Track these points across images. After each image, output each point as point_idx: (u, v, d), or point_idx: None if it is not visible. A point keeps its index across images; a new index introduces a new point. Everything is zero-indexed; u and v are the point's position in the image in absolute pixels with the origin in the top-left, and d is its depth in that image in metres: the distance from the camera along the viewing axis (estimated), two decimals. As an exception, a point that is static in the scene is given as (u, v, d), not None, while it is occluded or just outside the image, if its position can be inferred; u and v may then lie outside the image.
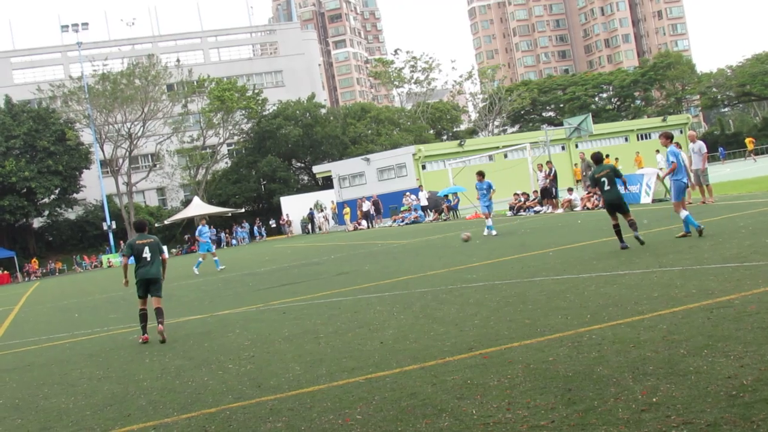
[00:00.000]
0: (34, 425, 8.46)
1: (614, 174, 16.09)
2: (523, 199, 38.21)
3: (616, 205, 15.88)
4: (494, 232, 26.11)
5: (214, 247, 31.91)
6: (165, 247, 69.38)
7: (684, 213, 15.87)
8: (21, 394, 10.45)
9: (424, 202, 50.67)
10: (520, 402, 6.40)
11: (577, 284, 12.22)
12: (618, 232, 15.70)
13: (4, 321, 23.61)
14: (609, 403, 6.03)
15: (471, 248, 22.50)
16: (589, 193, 32.36)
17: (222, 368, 10.02)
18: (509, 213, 38.22)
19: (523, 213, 36.85)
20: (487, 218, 26.81)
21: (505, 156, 63.51)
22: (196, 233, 33.53)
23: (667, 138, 17.56)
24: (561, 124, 61.48)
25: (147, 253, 13.99)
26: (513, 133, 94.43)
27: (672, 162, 16.26)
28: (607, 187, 15.89)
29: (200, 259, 31.95)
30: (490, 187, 27.18)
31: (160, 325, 13.46)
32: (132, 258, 14.13)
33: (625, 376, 6.70)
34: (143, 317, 13.86)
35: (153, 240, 14.30)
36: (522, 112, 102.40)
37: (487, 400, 6.62)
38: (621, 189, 16.62)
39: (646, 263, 13.32)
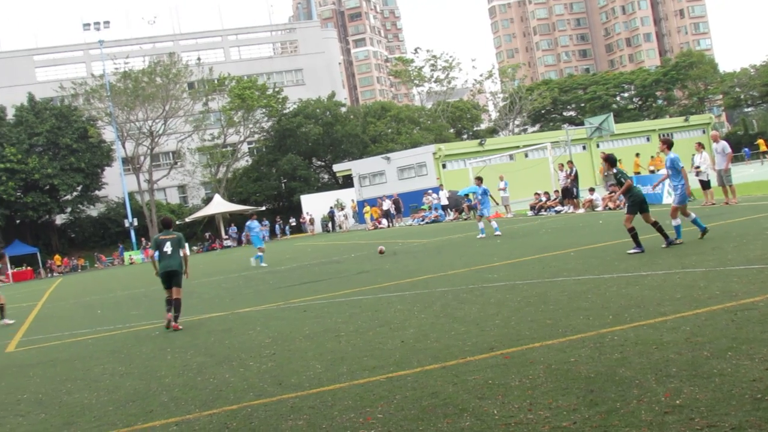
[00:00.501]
0: (58, 420, 8.52)
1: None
2: (543, 199, 38.10)
3: (643, 203, 16.04)
4: (483, 235, 27.14)
5: (263, 242, 31.64)
6: (186, 245, 69.83)
7: (678, 221, 15.91)
8: (44, 389, 10.53)
9: (444, 201, 50.63)
10: (541, 403, 6.39)
11: (599, 285, 12.17)
12: (635, 236, 15.64)
13: (27, 317, 23.78)
14: (632, 404, 6.01)
15: (491, 248, 22.46)
16: (610, 193, 32.22)
17: (243, 365, 10.05)
18: (530, 213, 38.11)
19: (544, 213, 36.73)
20: (479, 221, 28.22)
21: (526, 155, 63.36)
22: (246, 229, 33.28)
23: (666, 145, 17.04)
24: (582, 123, 61.22)
25: (168, 248, 15.48)
26: (534, 132, 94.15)
27: (669, 169, 16.44)
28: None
29: (259, 253, 31.24)
30: (485, 192, 28.38)
31: (174, 323, 14.91)
32: (156, 252, 15.65)
33: (648, 377, 6.67)
34: (169, 303, 15.36)
35: (176, 236, 15.79)
36: (543, 112, 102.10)
37: (508, 400, 6.60)
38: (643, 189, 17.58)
39: (669, 264, 13.25)
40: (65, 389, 10.28)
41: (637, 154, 45.66)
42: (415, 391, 7.38)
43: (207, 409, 7.95)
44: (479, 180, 28.94)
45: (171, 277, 15.44)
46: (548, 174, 43.05)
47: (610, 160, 16.87)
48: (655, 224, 15.69)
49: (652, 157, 46.69)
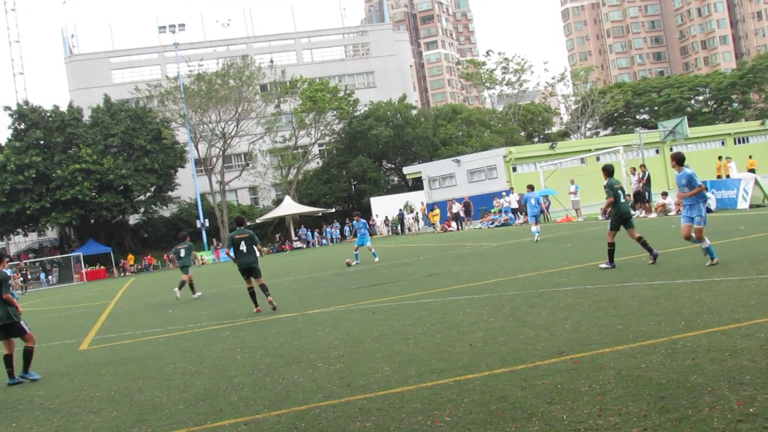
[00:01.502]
0: (129, 418, 8.67)
1: (622, 189, 16.93)
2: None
3: (627, 219, 16.57)
4: (537, 238, 28.28)
5: (369, 240, 31.89)
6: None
7: (707, 242, 14.53)
8: (116, 387, 10.73)
9: (514, 205, 50.30)
10: (611, 408, 6.31)
11: (671, 290, 11.97)
12: (612, 252, 16.27)
13: (101, 315, 24.30)
14: (704, 412, 5.90)
15: (562, 252, 22.25)
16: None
17: (312, 366, 10.11)
18: (601, 217, 37.62)
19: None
20: (534, 225, 29.15)
21: (598, 159, 62.46)
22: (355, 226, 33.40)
23: (676, 161, 15.30)
24: (655, 127, 60.17)
25: (243, 246, 17.38)
26: (606, 135, 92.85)
27: (685, 187, 14.94)
28: (622, 200, 16.69)
29: (373, 251, 31.30)
30: (537, 199, 30.25)
31: (269, 297, 17.17)
32: (232, 249, 17.57)
33: (721, 385, 6.55)
34: (252, 294, 17.61)
35: (249, 234, 17.66)
36: (615, 115, 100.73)
37: (577, 405, 6.54)
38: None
39: (743, 270, 12.98)
40: (137, 387, 10.46)
41: (728, 158, 44.54)
42: (483, 395, 7.35)
43: (276, 410, 8.02)
44: (530, 187, 30.63)
45: (250, 272, 17.52)
46: (620, 178, 42.43)
47: (606, 170, 17.39)
48: (639, 239, 16.18)
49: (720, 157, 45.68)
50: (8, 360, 12.28)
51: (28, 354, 12.37)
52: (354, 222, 33.20)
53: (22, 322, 12.43)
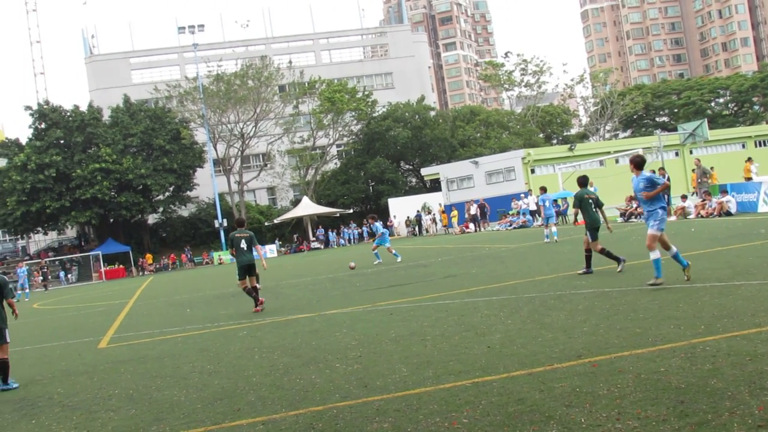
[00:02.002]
0: (148, 416, 8.71)
1: (597, 200, 17.19)
2: (634, 205, 37.43)
3: (596, 229, 16.81)
4: (556, 238, 29.27)
5: (389, 241, 32.08)
6: (275, 245, 70.68)
7: (657, 253, 13.39)
8: (135, 385, 10.77)
9: (532, 207, 50.19)
10: (630, 412, 6.28)
11: (691, 294, 11.92)
12: (589, 258, 16.69)
13: (119, 314, 24.41)
14: (723, 417, 5.86)
15: (580, 254, 22.12)
16: (703, 200, 31.49)
17: (329, 367, 10.12)
18: (620, 219, 37.50)
19: (635, 219, 36.10)
20: (547, 228, 29.96)
21: (617, 161, 62.35)
22: (373, 228, 33.33)
23: (634, 164, 14.18)
24: (675, 129, 59.94)
25: (243, 245, 18.42)
26: (625, 138, 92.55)
27: (644, 190, 13.78)
28: (593, 209, 16.96)
29: (394, 252, 31.49)
30: (552, 201, 31.04)
31: (261, 298, 18.45)
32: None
33: (741, 390, 6.50)
34: (249, 293, 18.57)
35: (249, 234, 18.70)
36: (635, 117, 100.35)
37: (596, 409, 6.51)
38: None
39: (764, 274, 12.90)
40: (155, 386, 10.50)
41: (749, 159, 44.14)
42: (501, 397, 7.34)
43: (293, 410, 8.03)
44: (543, 189, 31.04)
45: (249, 270, 18.54)
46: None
47: (579, 181, 17.57)
48: (602, 251, 16.62)
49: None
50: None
51: (4, 366, 12.15)
52: (372, 225, 33.11)
53: (6, 330, 12.38)
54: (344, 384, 8.95)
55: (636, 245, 23.26)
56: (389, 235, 33.68)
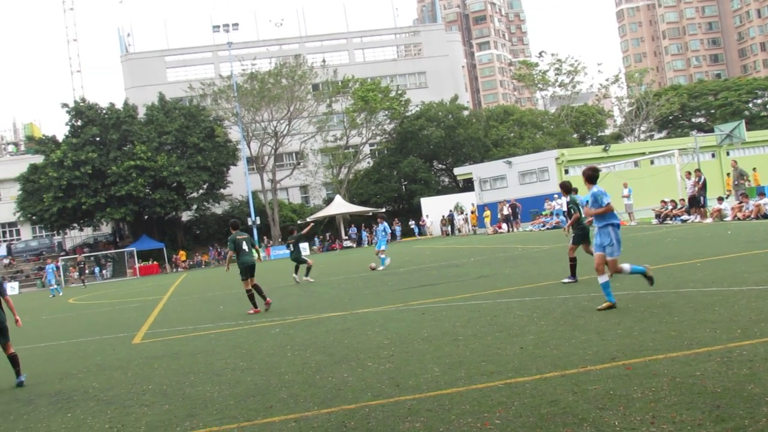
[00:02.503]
0: (181, 411, 8.76)
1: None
2: (670, 207, 37.13)
3: (585, 235, 16.70)
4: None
5: (383, 246, 31.71)
6: (307, 243, 70.75)
7: (605, 277, 12.48)
8: (168, 381, 10.85)
9: (566, 208, 49.91)
10: (664, 416, 6.22)
11: (727, 297, 11.78)
12: (573, 266, 16.56)
13: (153, 310, 24.60)
14: (761, 423, 5.79)
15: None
16: (740, 202, 31.16)
17: (361, 366, 10.12)
18: (655, 221, 37.23)
19: (670, 221, 35.81)
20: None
21: (652, 162, 61.79)
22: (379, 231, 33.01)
23: (586, 177, 13.04)
24: (711, 130, 59.35)
25: (245, 246, 19.29)
26: (660, 138, 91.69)
27: (591, 205, 12.83)
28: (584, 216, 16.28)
29: (382, 257, 30.86)
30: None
31: (268, 299, 19.09)
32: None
33: (779, 395, 6.43)
34: (251, 296, 19.15)
35: (247, 236, 19.77)
36: (670, 118, 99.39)
37: (630, 412, 6.46)
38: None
39: (802, 278, 12.74)
40: (188, 382, 10.56)
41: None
42: (533, 399, 7.30)
43: (325, 407, 8.04)
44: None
45: (251, 270, 19.20)
46: (675, 182, 41.93)
47: (564, 187, 17.32)
48: (574, 259, 16.54)
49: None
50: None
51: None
52: (379, 225, 32.39)
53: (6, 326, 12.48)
54: (376, 383, 8.94)
55: (671, 247, 23.08)
56: (421, 235, 33.52)
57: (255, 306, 18.99)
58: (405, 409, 7.55)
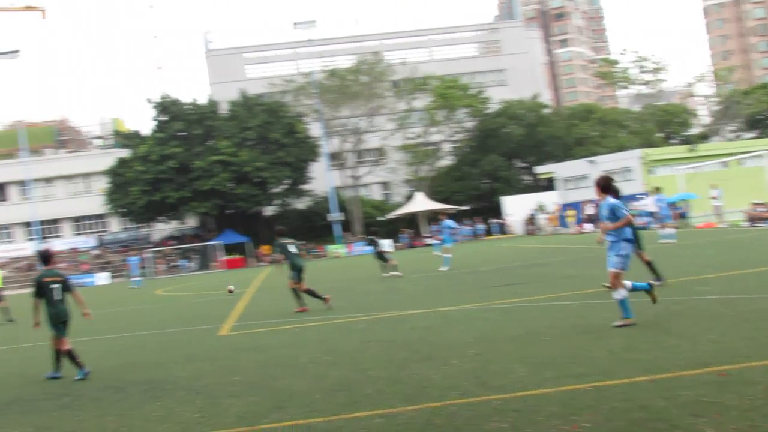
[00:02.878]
0: (268, 404, 8.88)
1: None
2: (761, 210, 36.20)
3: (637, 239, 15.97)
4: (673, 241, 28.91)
5: (449, 242, 31.17)
6: (390, 240, 70.90)
7: (623, 293, 11.90)
8: (255, 373, 11.02)
9: (652, 208, 49.03)
10: (762, 426, 6.08)
11: (827, 304, 11.45)
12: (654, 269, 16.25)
13: (238, 302, 24.96)
14: None
15: (704, 259, 21.59)
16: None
17: (446, 363, 10.12)
18: (745, 223, 36.35)
19: (761, 224, 34.91)
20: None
21: (741, 163, 60.34)
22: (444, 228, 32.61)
23: (600, 187, 12.29)
24: (804, 130, 57.67)
25: (294, 249, 20.18)
26: (750, 138, 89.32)
27: (607, 218, 12.08)
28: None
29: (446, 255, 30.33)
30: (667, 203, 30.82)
31: (327, 296, 19.43)
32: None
33: None
34: (298, 294, 19.76)
35: (293, 240, 20.81)
36: (760, 117, 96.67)
37: (725, 420, 6.33)
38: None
39: None
40: (274, 374, 10.70)
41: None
42: (623, 403, 7.21)
43: (411, 404, 8.07)
44: (657, 189, 31.00)
45: (301, 271, 19.87)
46: (765, 183, 40.85)
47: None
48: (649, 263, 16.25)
49: None
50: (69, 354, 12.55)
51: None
52: (442, 222, 31.69)
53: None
54: (461, 381, 8.94)
55: (763, 251, 22.52)
56: (503, 234, 33.26)
57: (303, 305, 19.55)
58: (491, 409, 7.54)
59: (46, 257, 13.07)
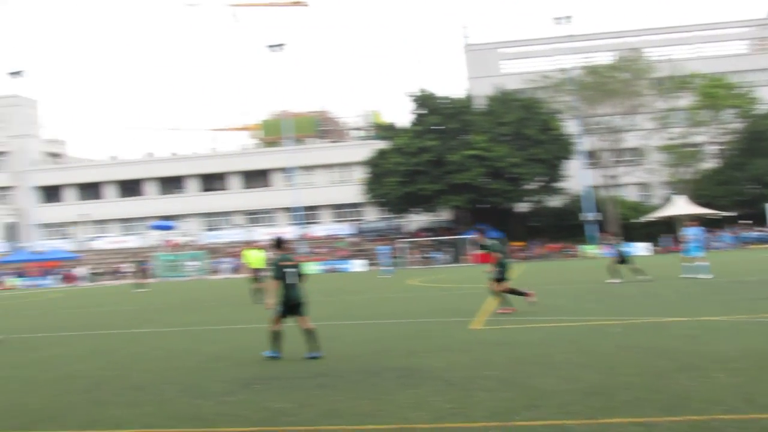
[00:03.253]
0: (521, 401, 8.88)
1: None
2: None
3: None
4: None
5: (695, 252, 29.22)
6: (634, 248, 68.81)
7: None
8: (508, 369, 11.03)
9: None
10: None
11: None
12: None
13: (490, 297, 25.05)
14: None
15: None
16: None
17: (707, 375, 9.71)
18: None
19: None
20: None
21: None
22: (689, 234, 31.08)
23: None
24: None
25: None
26: None
27: None
28: None
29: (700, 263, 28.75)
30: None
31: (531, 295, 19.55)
32: None
33: None
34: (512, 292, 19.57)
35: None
36: None
37: None
38: None
39: None
40: (527, 372, 10.67)
41: None
42: None
43: (670, 415, 7.82)
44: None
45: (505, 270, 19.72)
46: None
47: None
48: None
49: None
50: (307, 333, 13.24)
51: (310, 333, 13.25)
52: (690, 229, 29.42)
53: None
54: (726, 396, 8.55)
55: None
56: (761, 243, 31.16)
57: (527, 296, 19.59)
58: (759, 428, 7.17)
59: (279, 242, 13.84)
